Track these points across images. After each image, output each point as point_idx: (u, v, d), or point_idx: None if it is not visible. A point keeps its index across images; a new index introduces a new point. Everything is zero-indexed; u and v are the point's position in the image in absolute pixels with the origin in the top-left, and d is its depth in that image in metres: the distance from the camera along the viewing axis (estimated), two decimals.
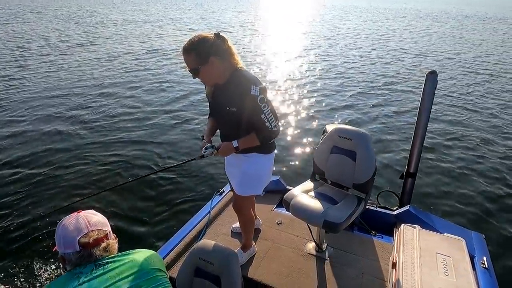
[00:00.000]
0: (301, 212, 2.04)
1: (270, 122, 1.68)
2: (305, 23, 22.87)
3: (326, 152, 2.28)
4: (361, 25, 21.75)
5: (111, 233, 1.21)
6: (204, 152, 1.76)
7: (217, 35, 1.63)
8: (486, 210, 3.67)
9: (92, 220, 1.15)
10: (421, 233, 1.99)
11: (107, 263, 1.11)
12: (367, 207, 2.45)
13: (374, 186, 2.30)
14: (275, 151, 1.97)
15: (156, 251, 2.19)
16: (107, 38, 14.42)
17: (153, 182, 4.02)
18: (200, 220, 2.50)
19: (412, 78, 9.14)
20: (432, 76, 2.25)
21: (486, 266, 1.94)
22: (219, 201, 2.72)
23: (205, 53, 1.59)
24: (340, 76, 9.19)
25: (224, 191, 2.83)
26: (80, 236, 1.10)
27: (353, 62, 10.94)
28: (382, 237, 2.42)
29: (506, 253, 3.06)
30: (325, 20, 24.59)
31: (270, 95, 6.02)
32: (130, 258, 1.16)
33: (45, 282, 2.69)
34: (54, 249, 1.14)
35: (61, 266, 2.75)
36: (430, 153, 4.84)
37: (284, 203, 2.15)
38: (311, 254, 2.23)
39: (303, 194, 2.18)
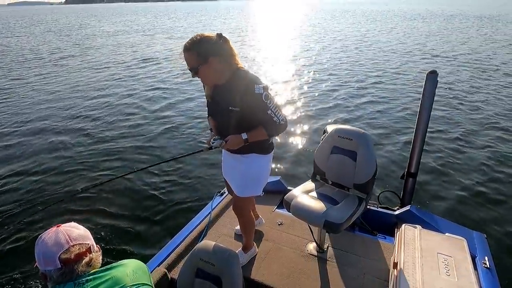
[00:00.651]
0: (302, 213, 2.04)
1: (278, 116, 1.70)
2: (296, 27, 22.87)
3: (326, 153, 2.27)
4: (351, 27, 21.77)
5: (94, 245, 1.15)
6: (213, 143, 1.77)
7: (219, 35, 1.64)
8: (487, 209, 3.66)
9: (73, 235, 1.10)
10: (422, 233, 1.99)
11: (87, 281, 1.06)
12: (368, 207, 2.45)
13: (375, 186, 2.29)
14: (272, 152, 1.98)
15: (156, 253, 2.20)
16: (98, 48, 14.45)
17: (153, 183, 4.02)
18: (201, 221, 2.49)
19: (412, 77, 9.14)
20: (432, 76, 2.24)
21: (488, 266, 1.94)
22: (220, 202, 2.72)
23: (205, 53, 1.60)
24: (340, 76, 9.19)
25: (225, 192, 2.83)
26: (60, 252, 1.04)
27: (353, 62, 10.95)
28: (383, 237, 2.41)
29: (508, 253, 3.05)
30: (316, 23, 24.50)
31: None
32: (111, 274, 1.10)
33: None
34: (35, 265, 1.09)
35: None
36: (431, 152, 4.83)
37: (284, 204, 2.15)
38: (312, 255, 2.22)
39: (304, 194, 2.17)
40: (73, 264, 1.05)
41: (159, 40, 16.87)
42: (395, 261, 1.86)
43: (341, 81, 8.74)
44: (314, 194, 2.20)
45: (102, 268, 1.12)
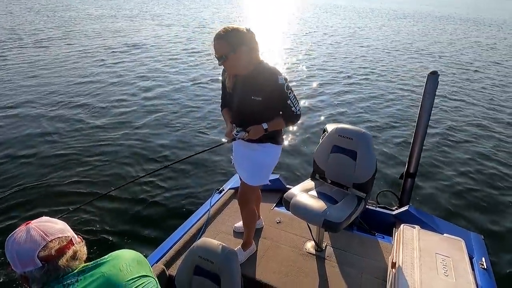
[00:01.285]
0: (301, 211, 2.04)
1: (295, 106, 1.84)
2: (288, 21, 22.41)
3: (326, 151, 2.27)
4: (350, 25, 21.71)
5: (75, 236, 1.05)
6: (236, 135, 1.83)
7: (248, 30, 1.75)
8: (485, 211, 3.68)
9: (48, 229, 0.99)
10: (421, 233, 1.99)
11: (77, 281, 0.96)
12: (367, 206, 2.45)
13: (374, 185, 2.30)
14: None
15: (154, 249, 2.20)
16: (83, 31, 13.62)
17: (151, 179, 4.01)
18: (200, 218, 2.49)
19: (412, 78, 9.14)
20: (433, 77, 2.25)
21: (485, 267, 1.95)
22: (219, 199, 2.72)
23: (235, 42, 1.69)
24: (340, 76, 9.18)
25: (223, 189, 2.83)
26: (38, 250, 0.94)
27: (353, 63, 10.94)
28: (382, 237, 2.42)
29: (504, 254, 3.07)
30: (309, 19, 24.09)
31: None
32: (102, 271, 1.00)
33: None
34: (9, 268, 0.98)
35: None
36: (430, 153, 4.84)
37: (284, 202, 2.15)
38: (311, 253, 2.23)
39: (303, 193, 2.17)
40: (56, 260, 0.96)
41: (148, 26, 16.21)
42: (394, 260, 1.87)
43: (343, 81, 8.73)
44: (313, 193, 2.20)
45: (91, 264, 1.02)
